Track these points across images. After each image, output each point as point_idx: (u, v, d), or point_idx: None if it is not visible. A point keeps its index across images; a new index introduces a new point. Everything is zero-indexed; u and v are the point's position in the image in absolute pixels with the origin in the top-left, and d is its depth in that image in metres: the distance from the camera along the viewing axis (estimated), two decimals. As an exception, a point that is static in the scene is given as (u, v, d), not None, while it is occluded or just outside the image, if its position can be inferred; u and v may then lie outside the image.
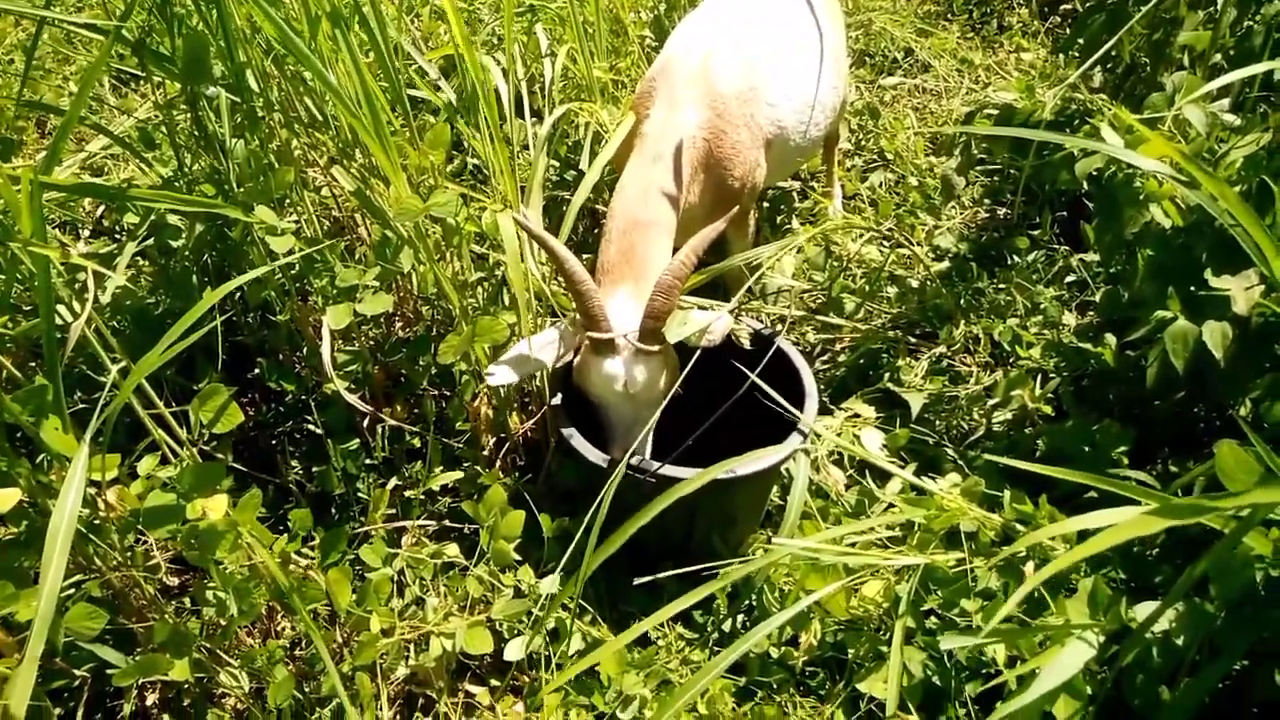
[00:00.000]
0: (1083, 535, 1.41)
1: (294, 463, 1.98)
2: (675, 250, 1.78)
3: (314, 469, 1.92)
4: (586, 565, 1.36)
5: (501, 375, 1.72)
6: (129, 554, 1.44)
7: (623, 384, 1.72)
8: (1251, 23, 2.28)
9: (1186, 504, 1.01)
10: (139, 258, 2.06)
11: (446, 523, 1.89)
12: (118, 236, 2.58)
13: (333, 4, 1.71)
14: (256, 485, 1.88)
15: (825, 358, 2.41)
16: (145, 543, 1.49)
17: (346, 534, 1.59)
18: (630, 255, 1.85)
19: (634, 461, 1.67)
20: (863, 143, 3.27)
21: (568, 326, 1.81)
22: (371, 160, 1.85)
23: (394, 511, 1.86)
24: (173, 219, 1.81)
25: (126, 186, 1.39)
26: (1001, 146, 2.12)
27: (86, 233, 2.70)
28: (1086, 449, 1.84)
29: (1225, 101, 1.81)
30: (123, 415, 1.36)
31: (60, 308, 1.39)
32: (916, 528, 1.58)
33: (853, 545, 1.62)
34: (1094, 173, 1.78)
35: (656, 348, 1.71)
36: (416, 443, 1.97)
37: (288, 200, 1.90)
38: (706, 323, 1.74)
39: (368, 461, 1.93)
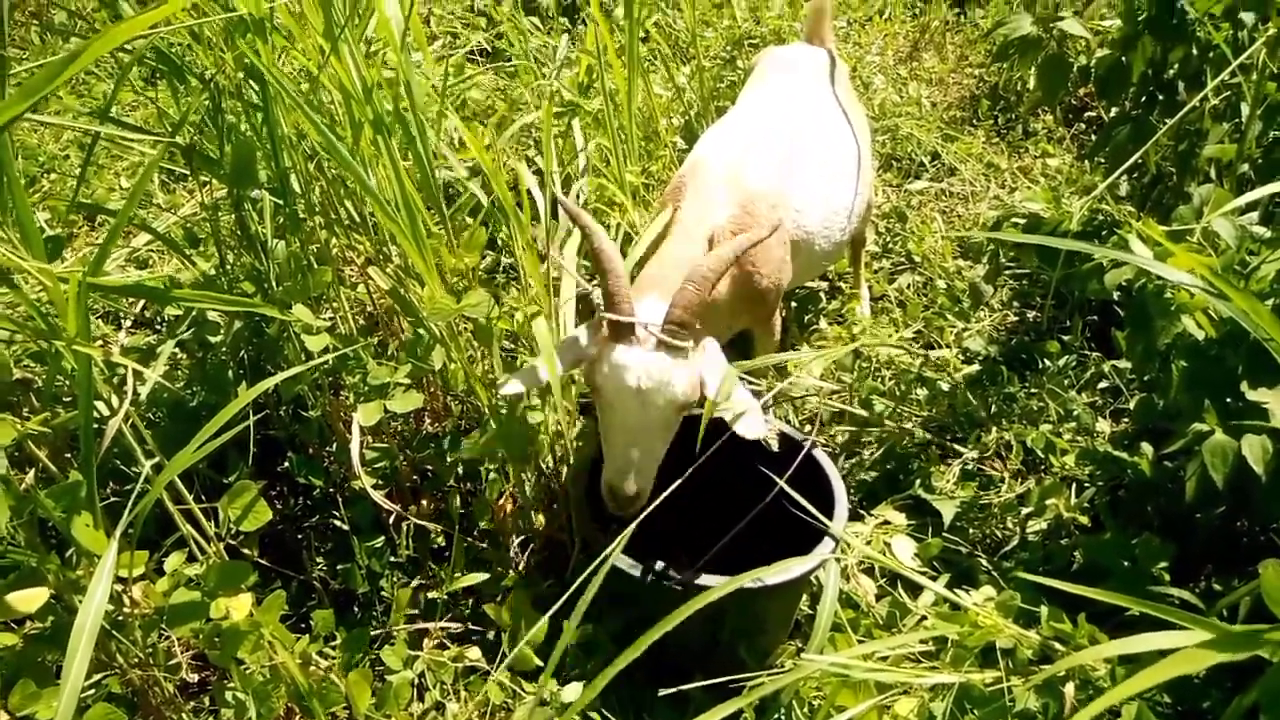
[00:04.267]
0: (1126, 658, 1.37)
1: (319, 559, 1.97)
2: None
3: (338, 566, 1.91)
4: (605, 673, 1.33)
5: (513, 386, 1.65)
6: (150, 651, 1.43)
7: (636, 378, 1.59)
8: (1277, 133, 2.30)
9: (1240, 635, 0.98)
10: (177, 349, 2.11)
11: (469, 625, 1.86)
12: (158, 328, 2.64)
13: (376, 111, 1.77)
14: (280, 581, 1.88)
15: (854, 460, 2.39)
16: (167, 637, 1.47)
17: (368, 636, 1.57)
18: (664, 275, 1.80)
19: (660, 568, 1.64)
20: (890, 245, 3.30)
21: (589, 329, 1.70)
22: (407, 261, 1.89)
23: (416, 612, 1.84)
24: (212, 315, 1.85)
25: (169, 287, 1.42)
26: (1030, 255, 2.14)
27: (128, 323, 2.76)
28: (1126, 563, 1.79)
29: (1254, 215, 1.82)
30: (152, 508, 1.37)
31: (98, 403, 1.41)
32: (950, 644, 1.54)
33: (884, 659, 1.57)
34: (1124, 283, 1.79)
35: (679, 344, 1.60)
36: (441, 541, 1.96)
37: (324, 297, 1.94)
38: (745, 405, 1.63)
39: (392, 559, 1.92)
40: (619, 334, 1.61)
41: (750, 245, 1.68)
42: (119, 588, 1.32)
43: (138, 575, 1.34)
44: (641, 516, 1.51)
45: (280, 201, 1.81)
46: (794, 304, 2.97)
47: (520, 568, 1.93)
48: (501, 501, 1.94)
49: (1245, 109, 2.21)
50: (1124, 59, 2.34)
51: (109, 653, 1.38)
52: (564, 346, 1.70)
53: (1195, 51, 2.29)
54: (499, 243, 2.65)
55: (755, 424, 1.64)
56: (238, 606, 1.31)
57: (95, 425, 1.35)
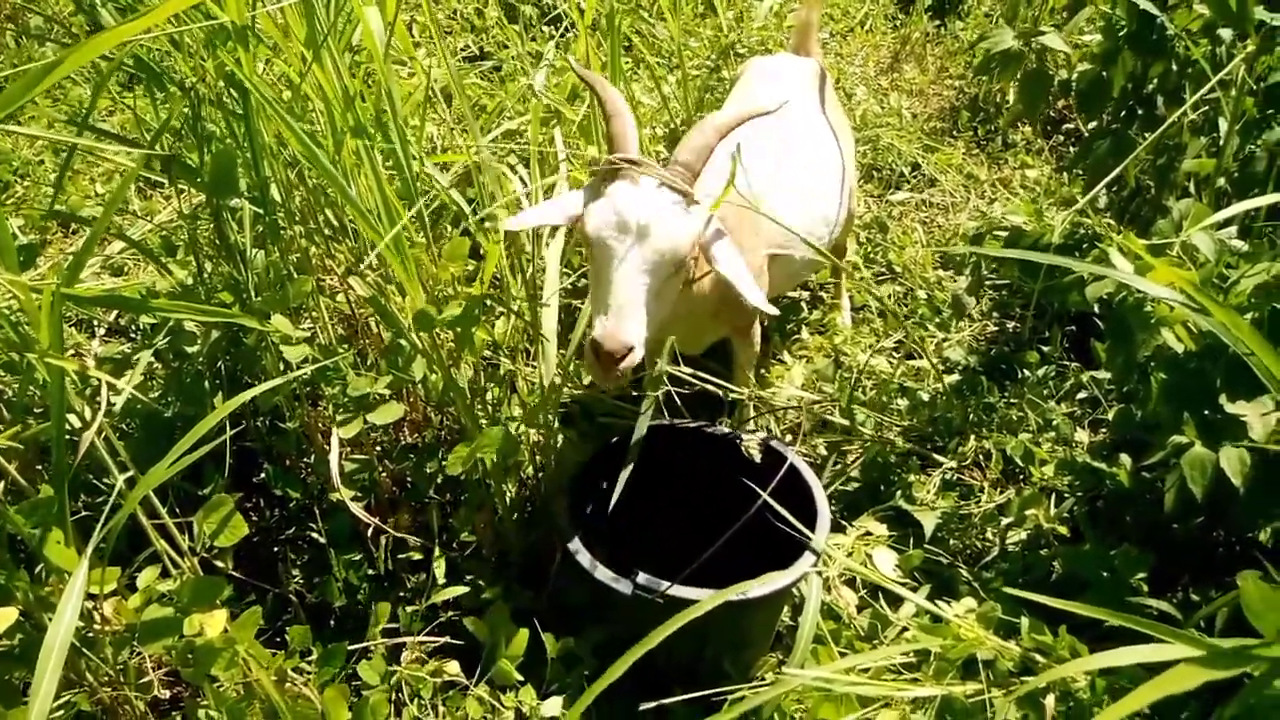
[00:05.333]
0: (1107, 670, 1.37)
1: (295, 571, 1.94)
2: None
3: (315, 579, 1.89)
4: (589, 691, 1.32)
5: (518, 221, 1.63)
6: (121, 668, 1.40)
7: (635, 213, 1.53)
8: (1254, 148, 2.33)
9: (1226, 653, 0.98)
10: (153, 358, 2.08)
11: (448, 638, 1.84)
12: (133, 336, 2.61)
13: (357, 119, 1.76)
14: (255, 594, 1.85)
15: (835, 468, 2.39)
16: (138, 654, 1.45)
17: (344, 651, 1.55)
18: None
19: (641, 580, 1.63)
20: (871, 255, 3.31)
21: (589, 187, 1.67)
22: (388, 269, 1.88)
23: (394, 625, 1.81)
24: (189, 325, 1.82)
25: (145, 297, 1.40)
26: (1011, 267, 2.15)
27: (101, 331, 2.72)
28: (1105, 574, 1.80)
29: (1232, 229, 1.83)
30: (125, 522, 1.35)
31: (70, 415, 1.39)
32: (932, 656, 1.53)
33: (866, 671, 1.57)
34: (1104, 296, 1.80)
35: (684, 187, 1.57)
36: (419, 554, 1.94)
37: (303, 307, 1.92)
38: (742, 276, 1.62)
39: (370, 572, 1.90)
40: (622, 173, 1.57)
41: (753, 114, 1.64)
42: (89, 604, 1.30)
43: (109, 591, 1.31)
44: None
45: (260, 210, 1.79)
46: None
47: (500, 580, 1.91)
48: (481, 513, 1.92)
49: (1223, 124, 2.23)
50: (1104, 74, 2.36)
51: (78, 671, 1.35)
52: (565, 200, 1.66)
53: (1175, 67, 2.31)
54: (481, 252, 2.63)
55: (757, 294, 1.63)
56: (212, 623, 1.29)
57: (68, 438, 1.33)
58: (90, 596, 1.30)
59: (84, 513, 1.62)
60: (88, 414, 1.39)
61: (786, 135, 2.41)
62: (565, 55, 1.74)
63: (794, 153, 2.37)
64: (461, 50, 3.94)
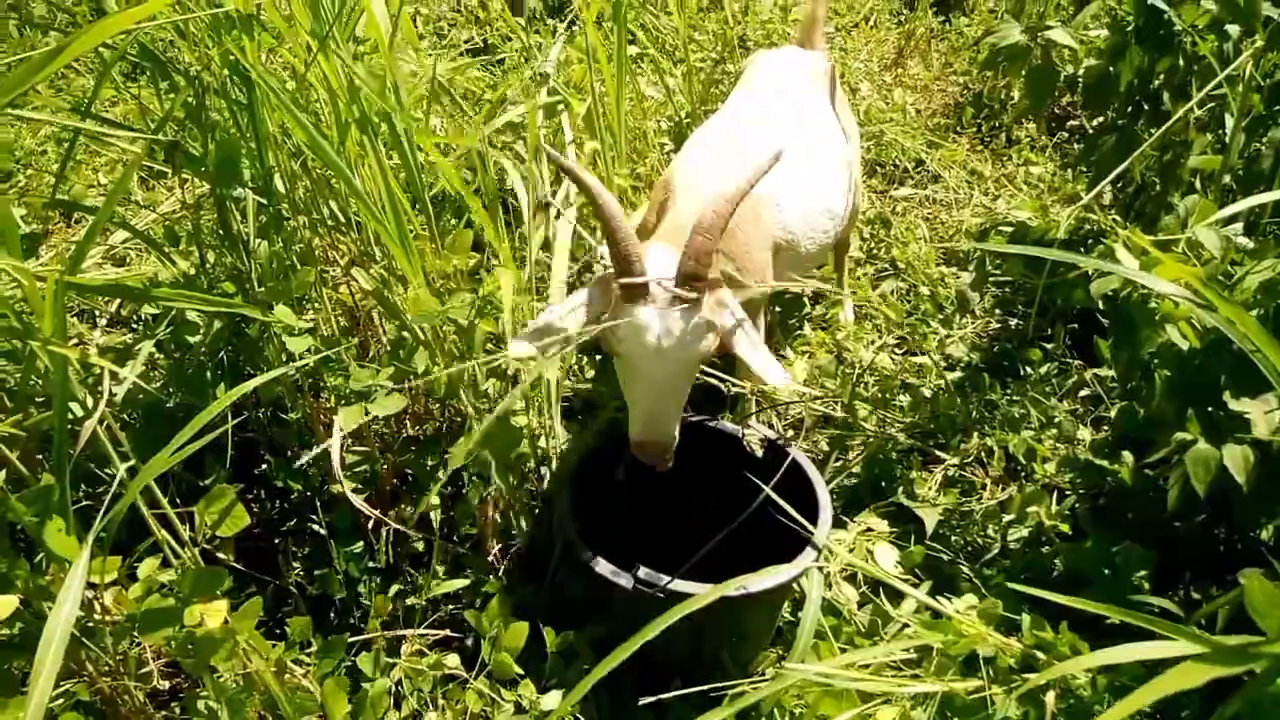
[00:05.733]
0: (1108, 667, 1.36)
1: (296, 563, 1.94)
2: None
3: (315, 571, 1.89)
4: (584, 682, 1.31)
5: (522, 346, 1.61)
6: (121, 658, 1.40)
7: (655, 336, 1.57)
8: (1260, 145, 2.32)
9: (1230, 651, 0.97)
10: (155, 348, 2.07)
11: (448, 631, 1.84)
12: (134, 327, 2.60)
13: (362, 110, 1.75)
14: (257, 586, 1.85)
15: (837, 465, 2.39)
16: (138, 645, 1.45)
17: (344, 643, 1.54)
18: (674, 220, 1.80)
19: (642, 574, 1.63)
20: (874, 251, 3.31)
21: (596, 287, 1.68)
22: (392, 262, 1.87)
23: (394, 619, 1.81)
24: (192, 315, 1.82)
25: (148, 286, 1.40)
26: (1015, 263, 2.14)
27: (104, 321, 2.72)
28: (1106, 571, 1.80)
29: (1238, 225, 1.83)
30: (126, 512, 1.35)
31: (72, 404, 1.39)
32: (934, 652, 1.53)
33: (866, 667, 1.56)
34: (1109, 293, 1.79)
35: (695, 296, 1.58)
36: (420, 546, 1.93)
37: (306, 298, 1.91)
38: (765, 363, 1.63)
39: (370, 564, 1.90)
40: (633, 294, 1.58)
41: (753, 181, 1.63)
42: (90, 594, 1.30)
43: (109, 581, 1.31)
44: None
45: (264, 201, 1.78)
46: (778, 309, 2.96)
47: (501, 573, 1.91)
48: (483, 506, 1.92)
49: (1229, 121, 2.22)
50: (1111, 69, 2.35)
51: (78, 660, 1.35)
52: (573, 308, 1.65)
53: (1182, 63, 2.30)
54: (484, 245, 2.63)
55: (777, 374, 1.63)
56: (212, 613, 1.29)
57: (69, 427, 1.32)
58: (91, 586, 1.29)
59: (85, 502, 1.62)
60: (90, 403, 1.39)
61: (794, 128, 2.40)
62: (551, 151, 1.72)
63: (801, 145, 2.37)
64: (465, 43, 3.93)
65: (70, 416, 1.38)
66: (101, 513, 1.24)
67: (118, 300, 2.64)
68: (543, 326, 1.63)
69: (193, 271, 1.91)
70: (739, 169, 2.13)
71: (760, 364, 1.64)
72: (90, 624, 1.33)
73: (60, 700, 1.36)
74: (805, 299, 3.09)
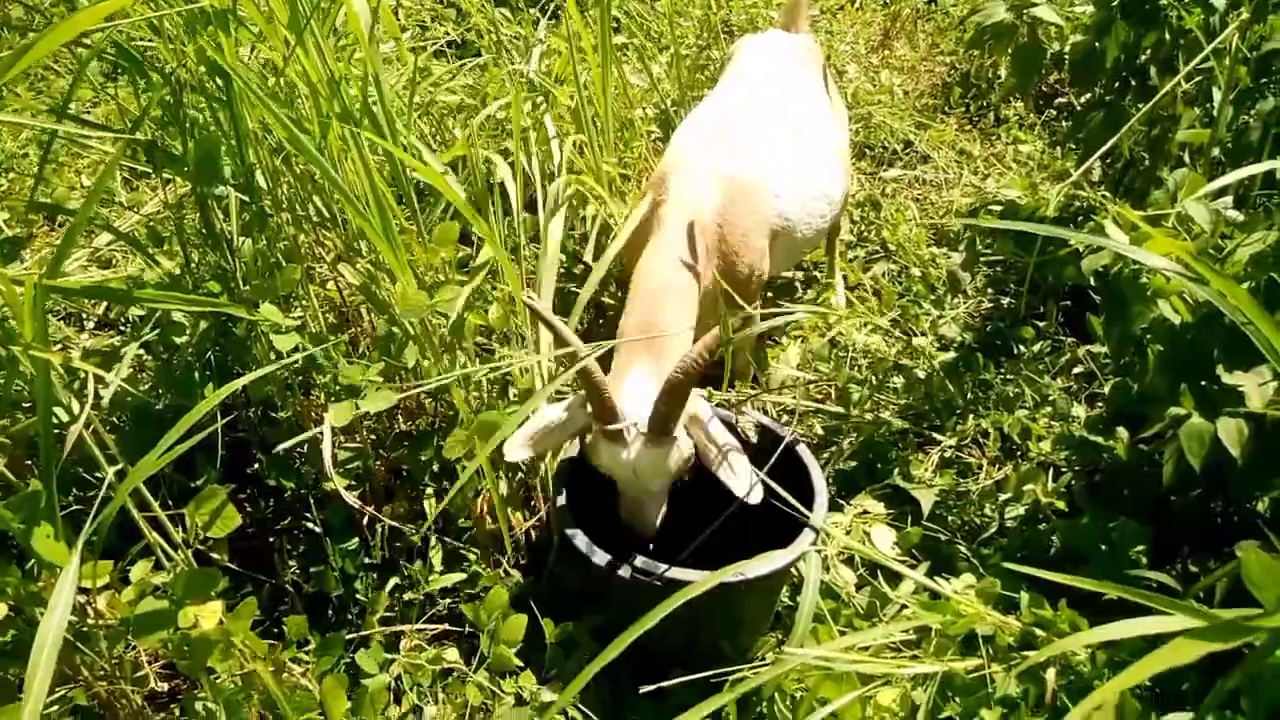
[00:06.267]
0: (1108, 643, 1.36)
1: (291, 562, 1.93)
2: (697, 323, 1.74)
3: (311, 569, 1.88)
4: (584, 673, 1.31)
5: (520, 452, 1.69)
6: (117, 662, 1.39)
7: (632, 469, 1.69)
8: (1248, 118, 2.31)
9: (1227, 624, 0.97)
10: (142, 350, 2.05)
11: (446, 625, 1.83)
12: (122, 329, 2.59)
13: (343, 105, 1.73)
14: (252, 585, 1.84)
15: (832, 449, 2.38)
16: (134, 649, 1.44)
17: (342, 640, 1.54)
18: (650, 325, 1.84)
19: (639, 564, 1.62)
20: (865, 234, 3.30)
21: (577, 403, 1.76)
22: (379, 256, 1.86)
23: (392, 614, 1.81)
24: (178, 316, 1.80)
25: (131, 288, 1.38)
26: (1006, 242, 2.13)
27: (91, 324, 2.70)
28: (1104, 547, 1.80)
29: (1228, 198, 1.82)
30: (117, 516, 1.33)
31: (58, 409, 1.37)
32: (933, 633, 1.53)
33: (866, 649, 1.56)
34: (1100, 269, 1.78)
35: (667, 438, 1.68)
36: (417, 540, 1.93)
37: (293, 296, 1.90)
38: (738, 471, 1.71)
39: (367, 561, 1.89)
40: (609, 437, 1.68)
41: (715, 344, 1.67)
42: (82, 599, 1.29)
43: (102, 585, 1.30)
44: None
45: (246, 198, 1.77)
46: (770, 294, 2.95)
47: (498, 566, 1.91)
48: (479, 499, 1.91)
49: (1217, 94, 2.21)
50: (1098, 44, 2.33)
51: (73, 665, 1.34)
52: (562, 414, 1.73)
53: (1168, 36, 2.29)
54: (472, 238, 2.62)
55: (743, 483, 1.70)
56: (207, 615, 1.28)
57: (55, 432, 1.31)
58: (83, 591, 1.28)
59: (75, 507, 1.61)
60: (75, 407, 1.38)
61: (782, 114, 2.39)
62: (527, 299, 1.77)
63: (791, 131, 2.36)
64: (445, 38, 3.89)
65: (56, 421, 1.36)
66: (91, 517, 1.22)
67: (105, 303, 2.62)
68: (540, 433, 1.71)
69: (178, 271, 1.89)
70: (726, 155, 2.13)
71: (734, 481, 1.69)
72: (84, 629, 1.32)
73: (56, 706, 1.35)
74: (797, 283, 3.08)
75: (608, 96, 2.62)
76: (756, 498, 1.69)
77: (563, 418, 1.73)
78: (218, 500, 1.39)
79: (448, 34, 3.90)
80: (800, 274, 3.12)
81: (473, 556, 1.90)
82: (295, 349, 1.68)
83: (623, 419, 1.67)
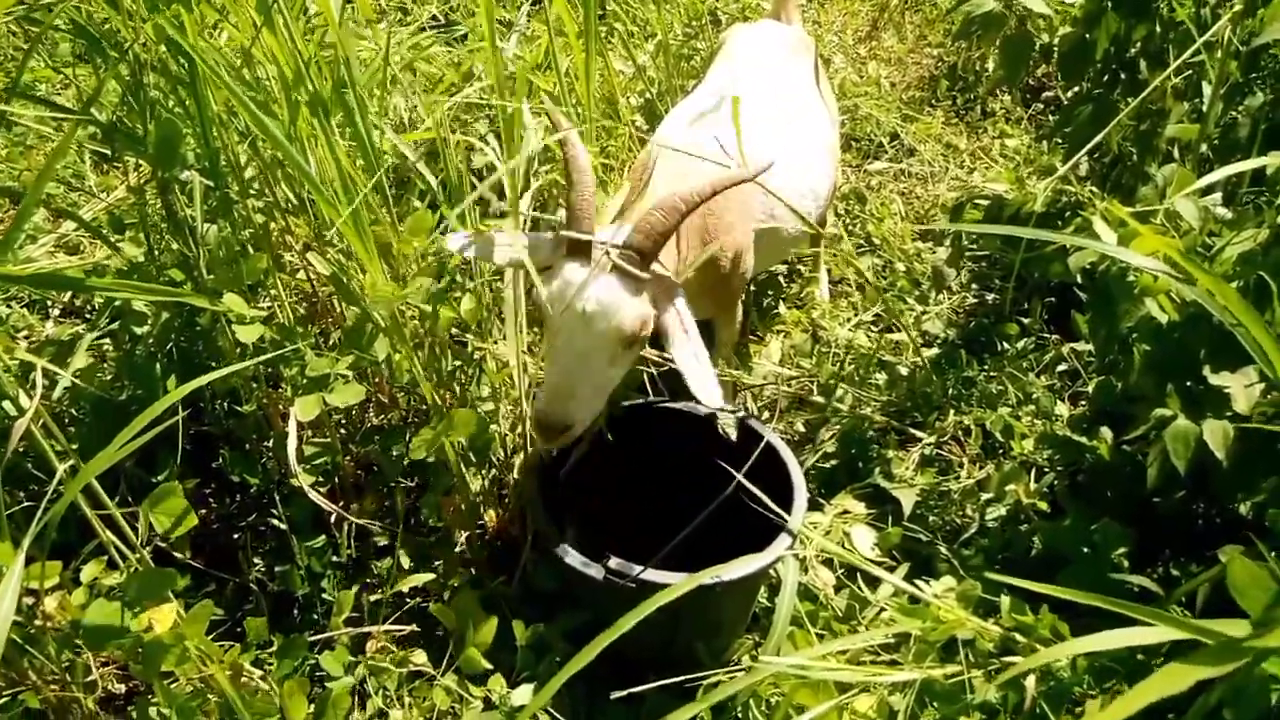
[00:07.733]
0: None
1: (257, 559, 1.88)
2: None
3: (277, 567, 1.83)
4: (557, 678, 1.27)
5: (459, 240, 1.60)
6: (68, 666, 1.34)
7: (583, 299, 1.52)
8: (1237, 113, 2.28)
9: (1218, 650, 0.94)
10: (105, 339, 1.99)
11: (414, 627, 1.78)
12: (88, 316, 2.52)
13: (313, 92, 1.68)
14: (215, 584, 1.79)
15: (812, 447, 2.35)
16: (83, 652, 1.38)
17: (305, 642, 1.49)
18: (644, 205, 1.72)
19: (613, 565, 1.58)
20: (850, 227, 3.26)
21: (551, 240, 1.63)
22: (349, 245, 1.80)
23: (359, 614, 1.76)
24: (139, 305, 1.75)
25: (86, 276, 1.33)
26: (992, 238, 2.10)
27: (57, 312, 2.63)
28: (1085, 549, 1.77)
29: (1217, 195, 1.79)
30: (72, 514, 1.28)
31: (6, 402, 1.32)
32: (912, 639, 1.50)
33: (843, 654, 1.53)
34: (1087, 266, 1.75)
35: (635, 272, 1.54)
36: (385, 538, 1.88)
37: (261, 285, 1.84)
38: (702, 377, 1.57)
39: (334, 559, 1.84)
40: (575, 250, 1.54)
41: (730, 184, 1.59)
42: (30, 600, 1.23)
43: (51, 586, 1.25)
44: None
45: (211, 184, 1.71)
46: (753, 288, 2.91)
47: (469, 566, 1.86)
48: (449, 497, 1.86)
49: (1207, 89, 2.18)
50: (1088, 36, 2.30)
51: (20, 670, 1.29)
52: (524, 242, 1.60)
53: (1159, 29, 2.26)
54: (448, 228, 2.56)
55: (712, 393, 1.57)
56: (161, 618, 1.23)
57: (4, 426, 1.26)
58: (30, 593, 1.23)
59: (26, 504, 1.55)
60: (25, 402, 1.32)
61: (778, 105, 2.34)
62: (542, 101, 1.66)
63: (779, 123, 2.31)
64: (429, 19, 3.82)
65: (5, 414, 1.31)
66: (38, 514, 1.17)
67: (66, 290, 2.56)
68: (488, 239, 1.59)
69: (140, 259, 1.83)
70: (707, 137, 2.08)
71: (696, 377, 1.56)
72: (31, 631, 1.27)
73: (5, 713, 1.30)
74: (780, 278, 3.04)
75: (591, 84, 2.56)
76: (717, 400, 1.55)
77: (523, 241, 1.60)
78: (176, 501, 1.34)
79: (432, 16, 3.83)
80: (784, 268, 3.08)
81: (443, 556, 1.86)
82: (260, 341, 1.62)
83: (594, 231, 1.54)
